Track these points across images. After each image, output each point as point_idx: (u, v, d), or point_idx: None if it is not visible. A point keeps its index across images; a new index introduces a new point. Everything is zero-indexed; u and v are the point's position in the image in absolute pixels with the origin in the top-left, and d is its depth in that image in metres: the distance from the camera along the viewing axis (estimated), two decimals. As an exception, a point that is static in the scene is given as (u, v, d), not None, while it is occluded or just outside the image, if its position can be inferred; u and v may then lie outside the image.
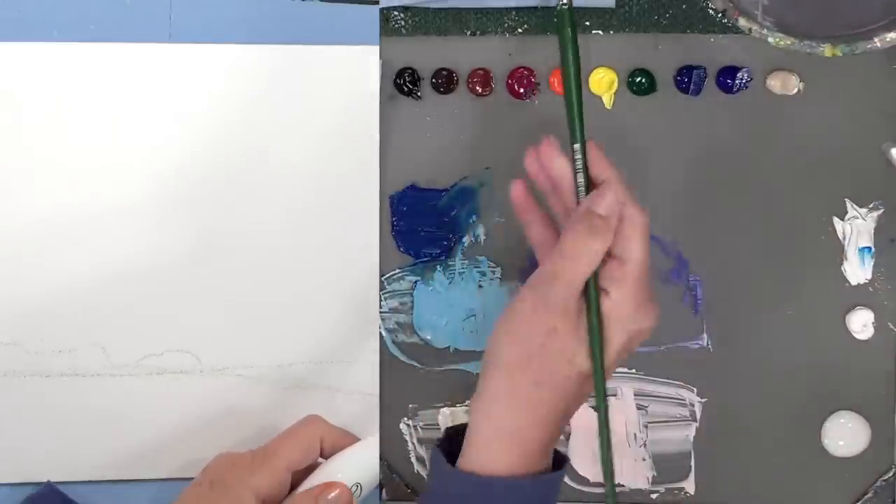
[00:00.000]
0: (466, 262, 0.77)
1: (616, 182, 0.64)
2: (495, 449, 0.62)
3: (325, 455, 0.72)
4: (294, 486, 0.70)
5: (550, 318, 0.62)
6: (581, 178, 0.64)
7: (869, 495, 0.77)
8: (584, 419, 0.77)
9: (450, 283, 0.77)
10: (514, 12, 0.75)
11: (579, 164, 0.64)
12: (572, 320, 0.62)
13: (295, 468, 0.70)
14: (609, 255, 0.63)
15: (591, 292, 0.62)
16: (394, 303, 0.77)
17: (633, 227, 0.63)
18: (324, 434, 0.72)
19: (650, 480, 0.77)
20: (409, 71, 0.76)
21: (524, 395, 0.62)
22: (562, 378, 0.62)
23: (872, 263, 0.76)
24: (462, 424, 0.65)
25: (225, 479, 0.69)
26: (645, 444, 0.77)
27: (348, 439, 0.72)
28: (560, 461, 0.65)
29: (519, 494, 0.62)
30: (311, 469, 0.71)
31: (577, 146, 0.64)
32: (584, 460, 0.77)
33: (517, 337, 0.63)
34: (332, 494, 0.69)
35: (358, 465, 0.71)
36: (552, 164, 0.65)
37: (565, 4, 0.65)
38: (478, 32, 0.76)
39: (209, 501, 0.68)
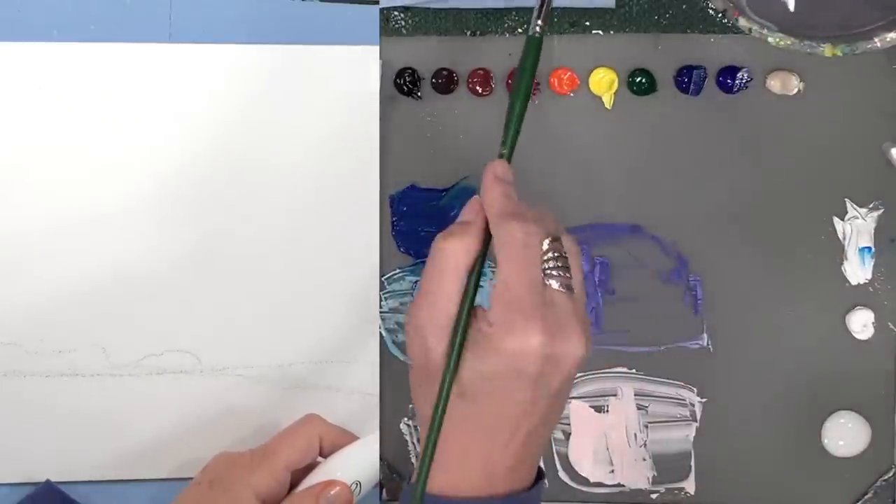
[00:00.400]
0: (466, 262, 0.76)
1: (493, 197, 0.62)
2: (436, 470, 0.61)
3: (324, 454, 0.72)
4: (293, 485, 0.70)
5: (423, 338, 0.61)
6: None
7: (869, 495, 0.77)
8: (584, 419, 0.77)
9: (450, 283, 0.76)
10: (514, 12, 0.75)
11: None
12: (446, 338, 0.60)
13: (294, 467, 0.70)
14: None
15: (464, 307, 0.61)
16: (394, 303, 0.77)
17: (501, 246, 0.60)
18: (323, 433, 0.72)
19: (650, 480, 0.77)
20: (409, 71, 0.76)
21: (427, 417, 0.61)
22: (451, 399, 0.60)
23: (872, 263, 0.76)
24: None
25: (224, 478, 0.69)
26: (645, 444, 0.77)
27: (347, 438, 0.72)
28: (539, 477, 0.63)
29: None
30: (309, 468, 0.71)
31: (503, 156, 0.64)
32: (584, 460, 0.77)
33: (410, 357, 0.62)
34: (333, 492, 0.69)
35: (357, 463, 0.71)
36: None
37: (538, 34, 0.66)
38: (478, 32, 0.76)
39: (208, 501, 0.68)
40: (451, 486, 0.60)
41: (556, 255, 0.61)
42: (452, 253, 0.61)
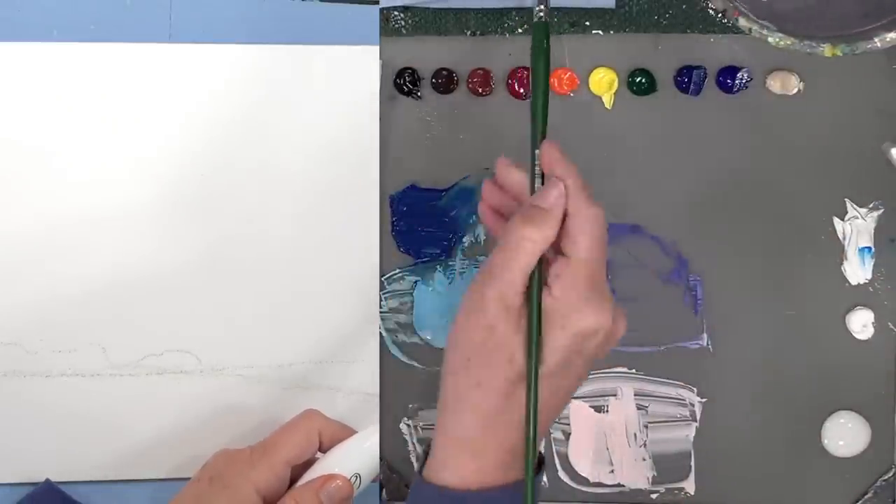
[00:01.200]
0: (466, 262, 0.77)
1: (569, 177, 0.62)
2: (450, 460, 0.61)
3: (324, 449, 0.72)
4: (293, 480, 0.70)
5: (487, 315, 0.60)
6: (538, 183, 0.63)
7: (869, 495, 0.77)
8: (585, 419, 0.77)
9: (450, 283, 0.77)
10: (514, 12, 0.75)
11: (537, 168, 0.63)
12: (512, 318, 0.60)
13: (294, 462, 0.70)
14: (560, 253, 0.61)
15: (534, 288, 0.60)
16: (394, 303, 0.77)
17: (580, 223, 0.61)
18: (322, 428, 0.72)
19: (650, 480, 0.77)
20: (409, 71, 0.76)
21: (466, 399, 0.61)
22: (502, 380, 0.60)
23: (872, 263, 0.76)
24: None
25: (224, 474, 0.69)
26: (645, 444, 0.77)
27: (346, 432, 0.72)
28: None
29: None
30: (309, 464, 0.71)
31: (538, 151, 0.63)
32: (583, 460, 0.77)
33: (457, 337, 0.61)
34: (333, 486, 0.69)
35: (356, 456, 0.71)
36: (509, 178, 0.65)
37: (542, 18, 0.65)
38: (478, 32, 0.76)
39: (209, 497, 0.68)
40: (477, 476, 0.60)
41: None
42: (530, 241, 0.60)
